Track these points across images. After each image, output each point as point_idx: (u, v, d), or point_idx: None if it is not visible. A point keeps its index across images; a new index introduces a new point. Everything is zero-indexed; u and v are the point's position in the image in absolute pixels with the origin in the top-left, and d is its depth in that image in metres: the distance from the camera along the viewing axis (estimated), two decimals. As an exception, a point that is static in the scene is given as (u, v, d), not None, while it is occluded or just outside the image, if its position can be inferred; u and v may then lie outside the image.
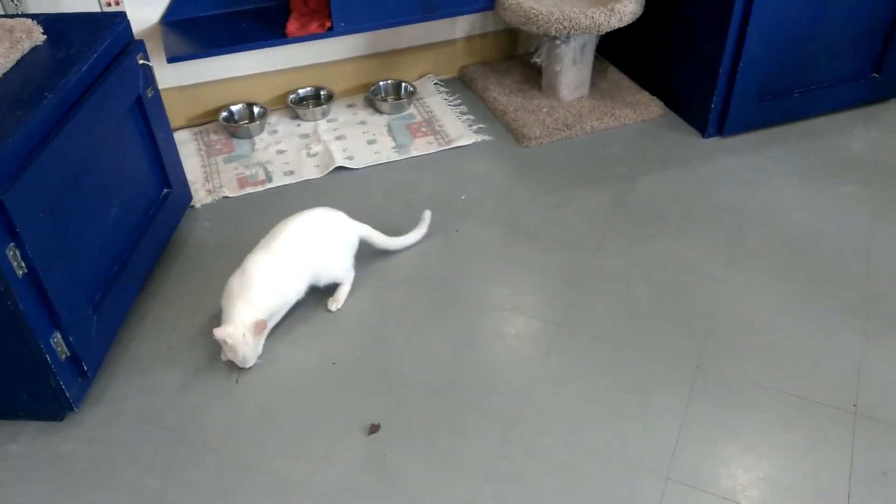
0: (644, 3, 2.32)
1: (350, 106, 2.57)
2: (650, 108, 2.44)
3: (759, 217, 2.01)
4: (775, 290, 1.78)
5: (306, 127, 2.46)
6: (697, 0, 2.20)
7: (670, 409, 1.52)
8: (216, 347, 1.67)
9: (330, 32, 2.25)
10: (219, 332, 1.56)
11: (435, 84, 2.66)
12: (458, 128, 2.42)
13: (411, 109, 2.54)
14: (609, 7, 2.21)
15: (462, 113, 2.50)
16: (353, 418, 1.52)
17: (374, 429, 1.49)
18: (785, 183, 2.13)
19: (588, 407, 1.53)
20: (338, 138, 2.40)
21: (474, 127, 2.42)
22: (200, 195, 2.15)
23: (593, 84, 2.55)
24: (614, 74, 2.63)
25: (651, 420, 1.50)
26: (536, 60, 2.52)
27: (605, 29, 2.22)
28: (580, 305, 1.76)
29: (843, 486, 1.38)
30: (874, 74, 2.35)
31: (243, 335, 1.57)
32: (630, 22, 2.27)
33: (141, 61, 1.74)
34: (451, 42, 2.67)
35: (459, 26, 2.65)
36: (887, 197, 2.06)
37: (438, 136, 2.39)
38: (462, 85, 2.67)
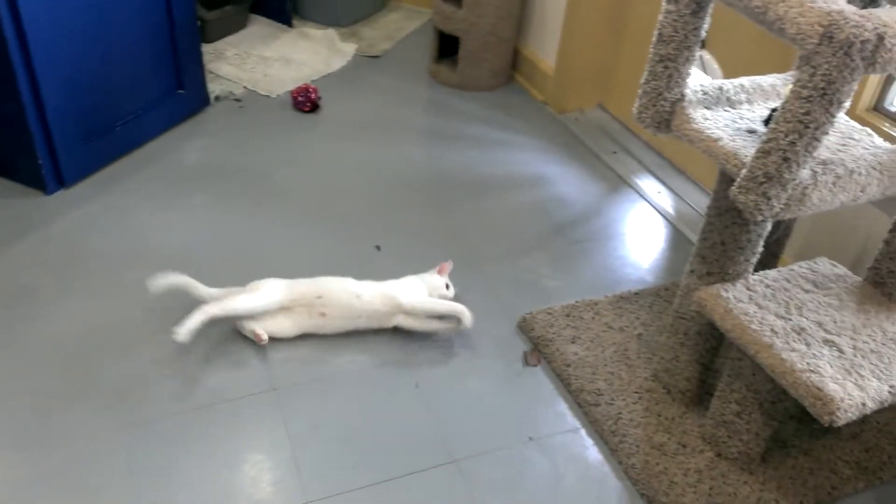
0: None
1: None
2: (-25, 181, 2.22)
3: (132, 253, 2.05)
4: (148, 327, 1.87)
5: None
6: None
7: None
8: None
9: None
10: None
11: None
12: None
13: None
14: None
15: None
16: None
17: None
18: (143, 212, 2.21)
19: None
20: None
21: None
22: None
23: None
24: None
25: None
26: None
27: None
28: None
29: (288, 454, 1.60)
30: (180, 91, 2.58)
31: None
32: None
33: None
34: None
35: None
36: (230, 193, 2.32)
37: None
38: None
